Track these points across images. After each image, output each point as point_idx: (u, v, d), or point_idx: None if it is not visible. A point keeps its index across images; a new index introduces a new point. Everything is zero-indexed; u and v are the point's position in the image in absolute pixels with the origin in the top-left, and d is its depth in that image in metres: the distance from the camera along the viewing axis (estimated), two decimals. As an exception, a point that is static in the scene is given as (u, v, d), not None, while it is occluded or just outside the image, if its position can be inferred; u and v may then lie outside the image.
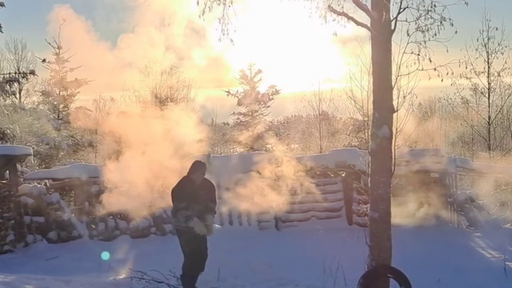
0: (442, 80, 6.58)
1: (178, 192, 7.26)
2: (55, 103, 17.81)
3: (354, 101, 20.85)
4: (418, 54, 6.44)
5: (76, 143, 17.60)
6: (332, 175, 13.36)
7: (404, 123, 6.95)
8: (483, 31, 20.44)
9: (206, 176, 7.69)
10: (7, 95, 16.10)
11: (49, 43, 17.56)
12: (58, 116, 17.65)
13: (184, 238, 7.20)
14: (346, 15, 6.52)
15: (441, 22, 6.37)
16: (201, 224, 7.11)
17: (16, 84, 17.52)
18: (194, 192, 7.25)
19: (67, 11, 10.26)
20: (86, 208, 11.60)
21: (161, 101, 20.04)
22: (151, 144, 9.97)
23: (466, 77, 19.58)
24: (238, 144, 22.74)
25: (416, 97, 6.99)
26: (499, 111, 21.64)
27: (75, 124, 18.13)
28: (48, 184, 12.02)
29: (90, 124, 16.89)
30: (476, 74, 20.14)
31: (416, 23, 6.43)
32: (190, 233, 7.08)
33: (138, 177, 9.82)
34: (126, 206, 10.66)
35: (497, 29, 20.97)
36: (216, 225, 7.60)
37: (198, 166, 7.43)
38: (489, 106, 21.09)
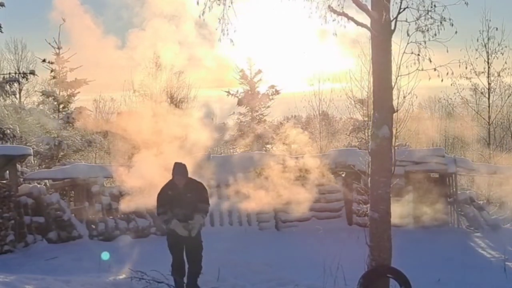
0: (442, 80, 6.59)
1: (159, 197, 7.27)
2: (55, 103, 17.78)
3: (354, 101, 20.92)
4: (418, 54, 6.44)
5: (76, 143, 17.58)
6: (332, 175, 13.34)
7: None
8: (483, 31, 20.44)
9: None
10: (7, 95, 16.07)
11: (49, 43, 17.54)
12: (58, 116, 17.61)
13: (169, 241, 7.31)
14: (346, 15, 6.52)
15: (441, 22, 6.38)
16: (181, 225, 7.05)
17: (16, 84, 17.47)
18: (178, 196, 7.15)
19: (72, 2, 10.05)
20: (86, 208, 11.60)
21: (174, 101, 20.05)
22: (162, 144, 9.95)
23: (466, 77, 19.56)
24: (238, 144, 22.72)
25: (416, 97, 6.99)
26: (499, 111, 21.64)
27: (76, 124, 18.12)
28: (48, 184, 12.02)
29: (97, 124, 16.88)
30: (476, 74, 20.12)
31: (416, 23, 6.44)
32: (175, 236, 7.11)
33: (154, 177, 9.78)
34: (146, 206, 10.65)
35: (497, 29, 20.94)
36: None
37: (176, 169, 7.25)
38: (489, 106, 21.08)
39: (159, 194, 7.30)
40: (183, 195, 7.16)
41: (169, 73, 20.93)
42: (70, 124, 17.67)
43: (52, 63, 17.56)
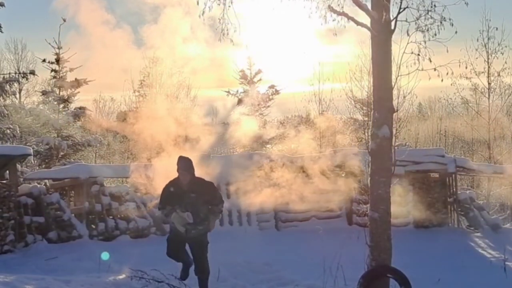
0: (442, 80, 6.60)
1: (162, 193, 7.17)
2: (55, 103, 17.77)
3: (354, 101, 20.97)
4: (418, 54, 6.45)
5: (76, 143, 17.57)
6: (332, 175, 13.33)
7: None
8: (483, 31, 20.51)
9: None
10: (7, 95, 16.07)
11: (49, 43, 17.51)
12: (58, 116, 17.59)
13: (169, 235, 7.29)
14: (346, 15, 6.53)
15: (441, 22, 6.38)
16: (180, 219, 6.86)
17: (16, 84, 17.48)
18: (181, 194, 6.91)
19: None
20: (86, 208, 11.59)
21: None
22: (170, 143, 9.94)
23: (466, 77, 19.63)
24: (238, 144, 22.73)
25: (416, 97, 7.01)
26: (499, 111, 21.67)
27: (77, 123, 18.13)
28: (48, 184, 12.02)
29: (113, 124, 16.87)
30: (476, 74, 20.19)
31: (416, 23, 6.45)
32: (177, 234, 7.02)
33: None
34: None
35: (497, 29, 21.08)
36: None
37: (180, 163, 6.92)
38: (489, 106, 21.12)
39: (162, 190, 7.20)
40: (186, 194, 6.89)
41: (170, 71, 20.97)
42: (70, 124, 17.65)
43: (52, 63, 17.57)
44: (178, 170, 6.96)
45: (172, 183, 7.07)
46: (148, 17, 9.90)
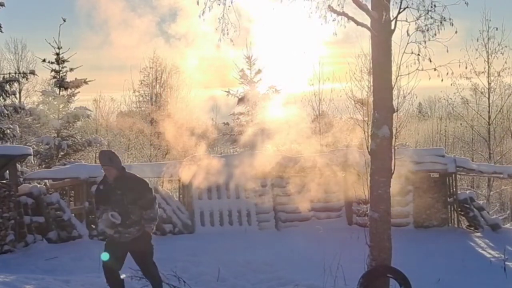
0: (442, 80, 6.61)
1: (95, 193, 6.72)
2: (55, 103, 17.75)
3: (354, 101, 20.96)
4: (418, 54, 6.46)
5: (76, 143, 17.55)
6: (332, 175, 13.33)
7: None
8: (483, 31, 20.51)
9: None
10: (7, 95, 16.04)
11: (49, 43, 17.48)
12: (58, 116, 17.57)
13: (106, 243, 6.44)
14: (346, 15, 6.53)
15: (441, 22, 6.39)
16: (110, 221, 6.00)
17: (16, 84, 17.44)
18: (108, 192, 6.16)
19: None
20: (86, 208, 11.59)
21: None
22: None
23: (466, 77, 19.61)
24: (238, 144, 22.72)
25: (416, 97, 7.03)
26: (499, 111, 21.67)
27: (76, 124, 18.12)
28: (48, 184, 12.01)
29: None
30: (476, 74, 20.18)
31: (416, 23, 6.45)
32: (113, 242, 6.22)
33: None
34: None
35: (497, 29, 21.05)
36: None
37: (100, 158, 6.21)
38: (489, 106, 21.12)
39: (95, 190, 6.77)
40: (112, 191, 6.13)
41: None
42: (70, 124, 17.64)
43: (52, 63, 17.56)
44: (102, 168, 6.28)
45: (101, 181, 6.40)
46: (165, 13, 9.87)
